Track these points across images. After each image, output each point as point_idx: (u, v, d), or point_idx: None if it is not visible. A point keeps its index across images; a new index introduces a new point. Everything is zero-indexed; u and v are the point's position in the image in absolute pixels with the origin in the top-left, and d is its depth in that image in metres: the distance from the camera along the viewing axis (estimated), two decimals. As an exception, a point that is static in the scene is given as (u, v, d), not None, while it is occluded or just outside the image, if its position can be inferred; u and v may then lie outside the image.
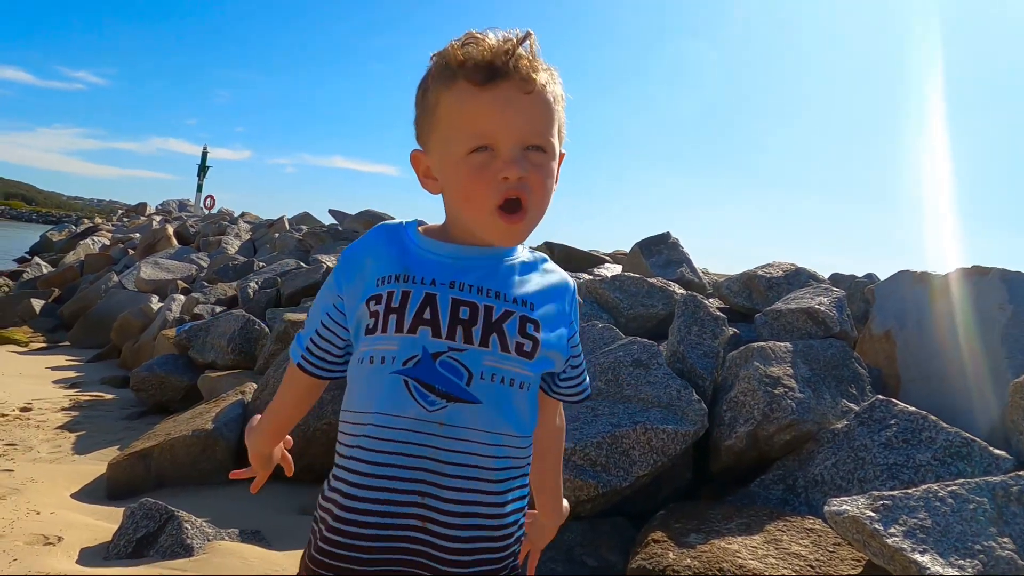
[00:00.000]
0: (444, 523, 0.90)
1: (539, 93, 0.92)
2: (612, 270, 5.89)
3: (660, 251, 5.02)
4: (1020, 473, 1.90)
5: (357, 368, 0.96)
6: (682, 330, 3.07)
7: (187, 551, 2.49)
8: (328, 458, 3.43)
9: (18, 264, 15.56)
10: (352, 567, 0.90)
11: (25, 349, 7.55)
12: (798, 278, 3.77)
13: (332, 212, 12.51)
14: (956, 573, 1.65)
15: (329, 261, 7.31)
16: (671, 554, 2.09)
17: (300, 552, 2.73)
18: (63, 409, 4.83)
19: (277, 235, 11.12)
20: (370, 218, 11.21)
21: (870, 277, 4.31)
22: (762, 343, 2.86)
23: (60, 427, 4.37)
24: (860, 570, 1.90)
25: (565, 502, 1.22)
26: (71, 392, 5.47)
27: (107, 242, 14.89)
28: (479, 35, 0.93)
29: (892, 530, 1.70)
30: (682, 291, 3.91)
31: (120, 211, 29.06)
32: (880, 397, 2.49)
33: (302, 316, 4.79)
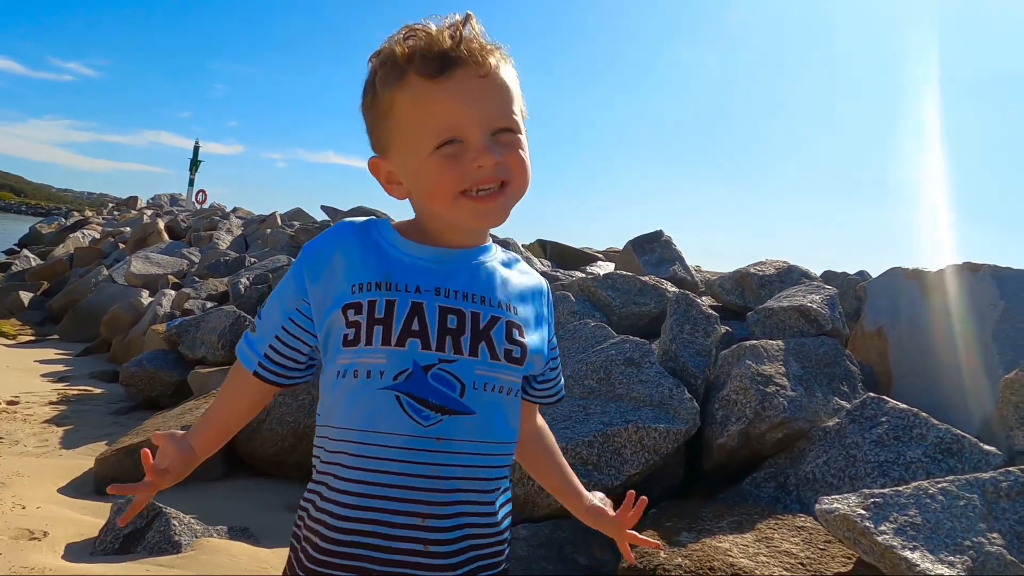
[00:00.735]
0: (443, 540, 0.87)
1: (495, 74, 0.90)
2: (605, 268, 5.89)
3: (653, 249, 5.02)
4: (1010, 469, 1.91)
5: (337, 382, 0.90)
6: (674, 328, 3.07)
7: (175, 548, 2.47)
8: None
9: (6, 256, 15.42)
10: None
11: (13, 342, 7.48)
12: (790, 276, 3.77)
13: (325, 208, 12.47)
14: (946, 570, 1.65)
15: (321, 257, 7.26)
16: (662, 553, 2.09)
17: (288, 549, 2.69)
18: (51, 403, 4.79)
19: (269, 231, 11.06)
20: (363, 214, 11.14)
21: (862, 274, 4.33)
22: (754, 341, 2.86)
23: (47, 421, 4.33)
24: (851, 568, 1.90)
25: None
26: (59, 386, 5.42)
27: (97, 235, 14.78)
28: (418, 26, 0.89)
29: (882, 527, 1.70)
30: (674, 289, 3.91)
31: (111, 204, 28.85)
32: (871, 395, 2.49)
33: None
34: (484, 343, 0.90)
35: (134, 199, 25.57)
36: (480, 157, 0.87)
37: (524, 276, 1.02)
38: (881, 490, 1.86)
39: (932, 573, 1.66)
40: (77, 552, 2.45)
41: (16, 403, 4.64)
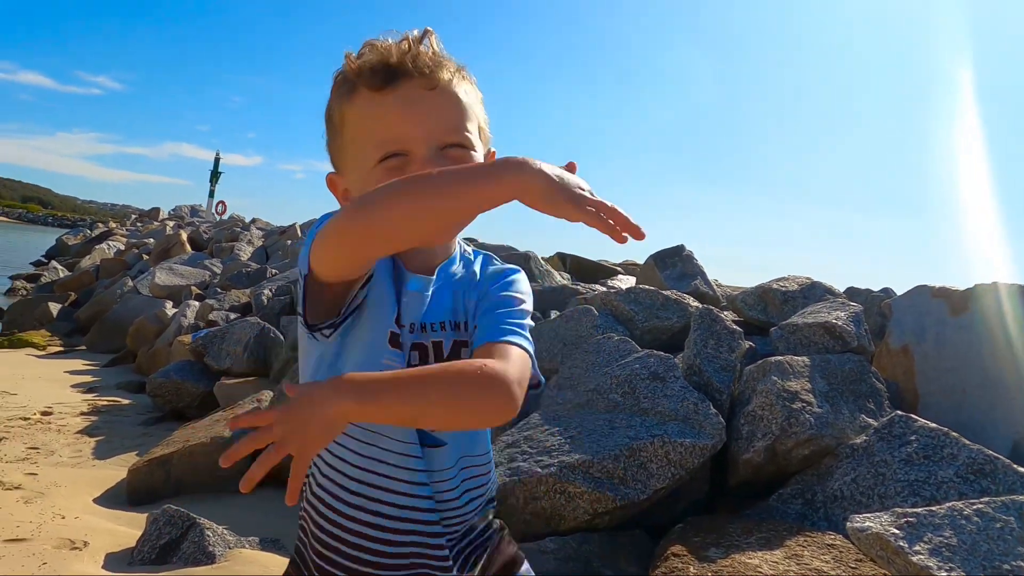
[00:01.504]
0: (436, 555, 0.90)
1: (445, 88, 0.87)
2: (626, 282, 5.91)
3: (674, 264, 5.04)
4: (1045, 492, 1.90)
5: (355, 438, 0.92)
6: (698, 343, 3.09)
7: (209, 558, 2.52)
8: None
9: (35, 267, 15.74)
10: None
11: (43, 352, 7.63)
12: (814, 292, 3.77)
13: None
14: (982, 592, 1.65)
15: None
16: (691, 568, 2.10)
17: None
18: (82, 413, 4.89)
19: (290, 242, 11.20)
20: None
21: (886, 291, 4.31)
22: (780, 357, 2.86)
23: (80, 431, 4.42)
24: (882, 587, 1.90)
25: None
26: (89, 396, 5.53)
27: (122, 247, 15.05)
28: (375, 41, 0.88)
29: (917, 547, 1.70)
30: (696, 304, 3.92)
31: (133, 216, 29.35)
32: (899, 412, 2.49)
33: (317, 324, 4.81)
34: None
35: (156, 210, 25.99)
36: (423, 169, 0.82)
37: (472, 274, 0.98)
38: (914, 509, 1.86)
39: (968, 594, 1.66)
40: (116, 562, 2.51)
41: (50, 413, 4.75)
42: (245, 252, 11.52)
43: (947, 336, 2.94)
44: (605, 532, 2.45)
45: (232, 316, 6.67)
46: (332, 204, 0.95)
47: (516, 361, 0.84)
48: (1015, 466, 2.16)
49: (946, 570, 1.67)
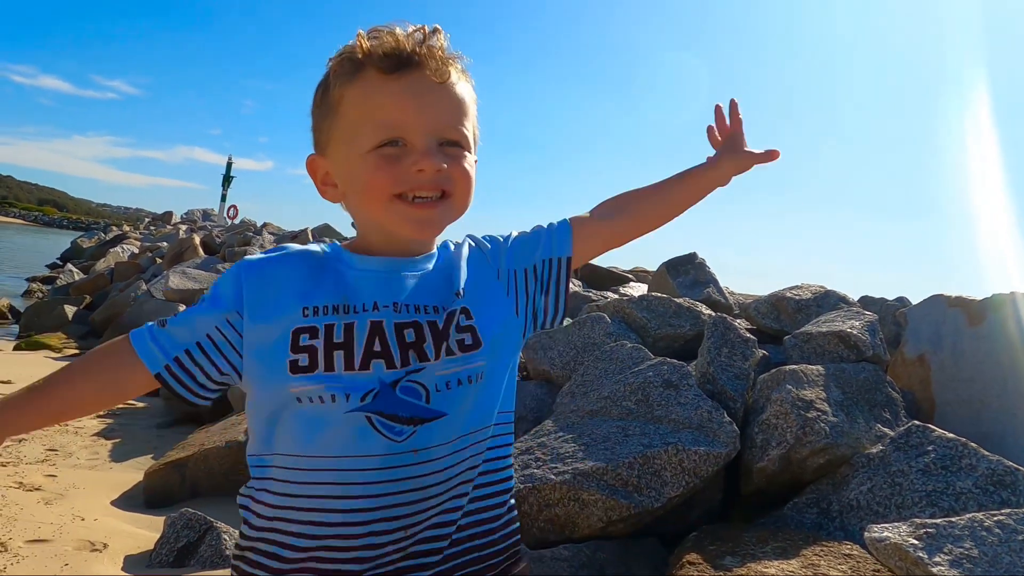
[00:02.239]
0: (436, 550, 0.86)
1: (451, 84, 0.87)
2: (638, 290, 5.91)
3: (687, 271, 5.04)
4: (1067, 505, 1.88)
5: (293, 407, 0.85)
6: (712, 351, 3.09)
7: (226, 562, 2.54)
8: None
9: (50, 270, 15.92)
10: None
11: (59, 355, 7.72)
12: (828, 300, 3.76)
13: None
14: (1003, 604, 1.64)
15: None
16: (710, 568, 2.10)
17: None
18: (98, 416, 4.94)
19: (301, 247, 11.27)
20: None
21: (901, 300, 4.30)
22: (794, 366, 2.86)
23: (96, 434, 4.48)
24: (900, 598, 1.90)
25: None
26: (104, 399, 5.58)
27: (136, 250, 15.19)
28: (383, 28, 0.87)
29: (937, 559, 1.70)
30: (709, 312, 3.92)
31: (147, 219, 29.63)
32: (916, 422, 2.48)
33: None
34: (445, 344, 0.88)
35: (169, 214, 26.24)
36: (422, 160, 0.84)
37: (461, 253, 0.98)
38: (933, 520, 1.85)
39: (989, 606, 1.65)
40: (135, 564, 2.54)
41: (67, 415, 4.80)
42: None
43: (964, 346, 2.92)
44: (619, 540, 2.46)
45: (245, 320, 6.71)
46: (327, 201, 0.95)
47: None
48: (1035, 478, 2.15)
49: (966, 582, 1.66)
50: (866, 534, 1.92)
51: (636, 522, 2.45)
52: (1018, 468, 2.15)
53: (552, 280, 0.98)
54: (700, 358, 3.16)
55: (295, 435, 0.85)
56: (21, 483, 3.21)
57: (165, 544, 2.62)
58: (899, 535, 1.81)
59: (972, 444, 2.26)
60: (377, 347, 0.85)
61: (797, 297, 3.82)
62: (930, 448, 2.31)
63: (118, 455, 4.08)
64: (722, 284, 4.97)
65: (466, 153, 0.88)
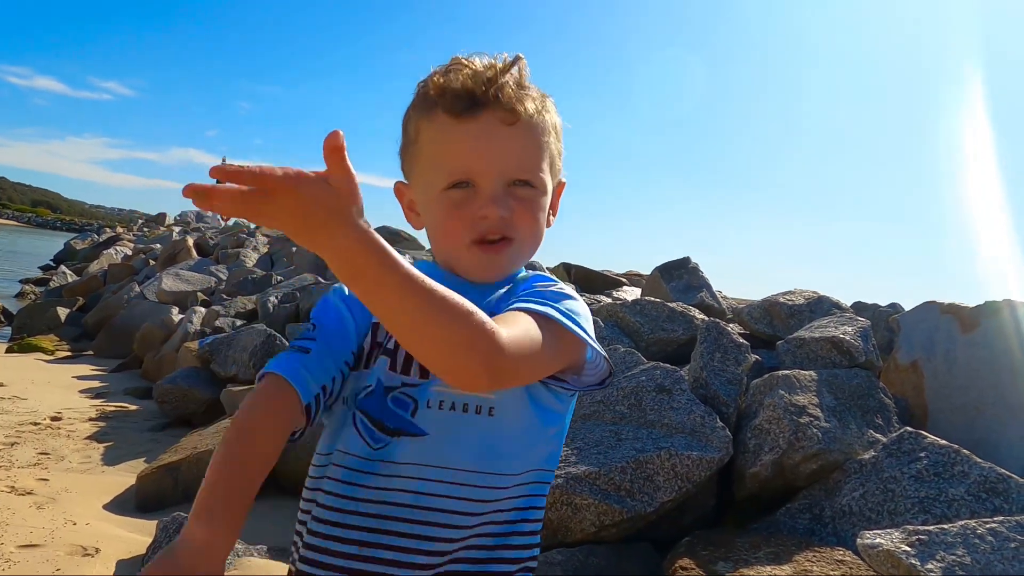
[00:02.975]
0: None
1: (524, 124, 0.84)
2: (632, 294, 5.92)
3: (680, 276, 5.05)
4: (1058, 512, 1.89)
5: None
6: (705, 356, 3.10)
7: (218, 565, 2.53)
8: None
9: (44, 272, 15.83)
10: None
11: (51, 357, 7.68)
12: (820, 306, 3.78)
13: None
14: (993, 611, 1.65)
15: (348, 276, 7.37)
16: (700, 582, 2.10)
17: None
18: (90, 419, 4.92)
19: (295, 249, 11.24)
20: (387, 234, 11.33)
21: (893, 307, 4.32)
22: (787, 371, 2.87)
23: (89, 437, 4.46)
24: (891, 604, 1.90)
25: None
26: (97, 402, 5.56)
27: (129, 252, 15.13)
28: (464, 60, 0.86)
29: (929, 566, 1.70)
30: (702, 316, 3.93)
31: (140, 220, 29.51)
32: (909, 429, 2.50)
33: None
34: None
35: (163, 215, 26.15)
36: (486, 207, 0.83)
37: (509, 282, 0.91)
38: (925, 527, 1.86)
39: (980, 613, 1.65)
40: (128, 568, 2.53)
41: (59, 419, 4.78)
42: (251, 259, 11.56)
43: (957, 353, 2.94)
44: (612, 545, 2.46)
45: (238, 323, 6.69)
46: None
47: (519, 324, 0.74)
48: (1028, 485, 2.16)
49: (957, 589, 1.67)
50: (859, 540, 1.92)
51: (629, 527, 2.45)
52: (1011, 476, 2.17)
53: None
54: (693, 363, 3.16)
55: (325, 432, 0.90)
56: (13, 487, 3.19)
57: (157, 548, 2.60)
58: (891, 542, 1.81)
59: (965, 451, 2.28)
60: (391, 344, 0.86)
61: (790, 302, 3.83)
62: (922, 455, 2.33)
63: (110, 459, 4.06)
64: (715, 288, 4.99)
65: (536, 192, 0.86)
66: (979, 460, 2.21)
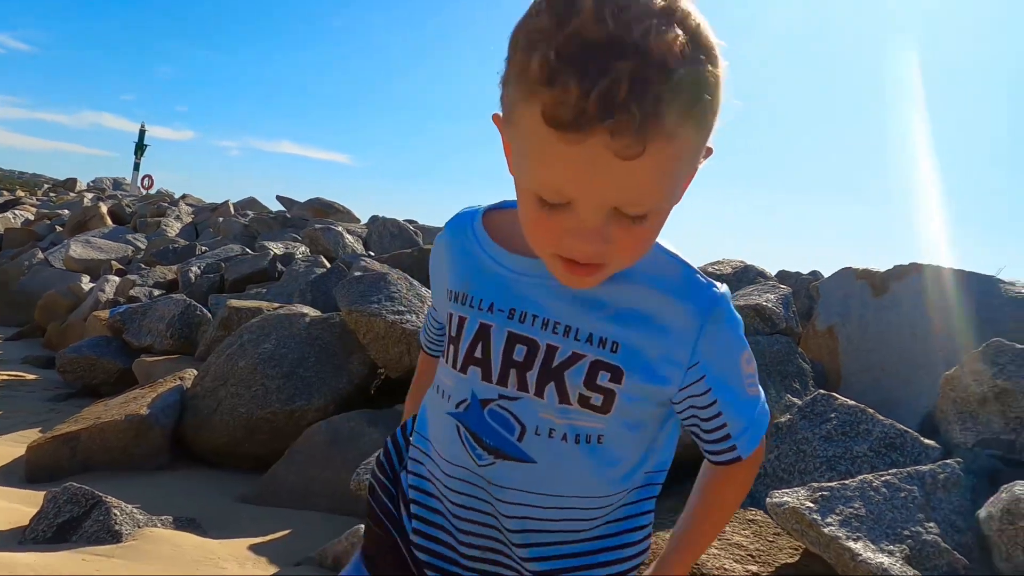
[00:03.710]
0: None
1: (654, 151, 0.59)
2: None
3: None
4: (947, 461, 2.00)
5: (430, 392, 0.89)
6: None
7: (115, 538, 2.36)
8: (271, 448, 3.31)
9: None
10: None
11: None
12: (746, 275, 3.87)
13: (280, 198, 12.17)
14: (885, 558, 1.72)
15: (276, 248, 7.11)
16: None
17: (237, 540, 2.62)
18: (-23, 388, 4.54)
19: (221, 219, 10.73)
20: (319, 206, 10.96)
21: (814, 274, 4.47)
22: (710, 339, 2.92)
23: (-27, 407, 4.11)
24: (797, 559, 1.96)
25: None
26: (-12, 371, 5.14)
27: (31, 217, 14.05)
28: (580, 33, 0.58)
29: (828, 520, 1.76)
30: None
31: (46, 186, 27.52)
32: (822, 392, 2.58)
33: (247, 303, 4.64)
34: (553, 383, 0.75)
35: (73, 181, 24.46)
36: (580, 240, 0.65)
37: (649, 295, 0.74)
38: (829, 484, 1.92)
39: (873, 561, 1.73)
40: (5, 540, 2.32)
41: (-60, 386, 4.39)
42: (173, 228, 10.97)
43: (869, 317, 3.06)
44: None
45: (156, 293, 6.33)
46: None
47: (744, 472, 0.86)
48: (922, 439, 2.27)
49: (853, 539, 1.73)
50: (767, 500, 1.97)
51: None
52: (907, 431, 2.27)
53: (707, 428, 0.81)
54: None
55: (423, 417, 0.89)
56: None
57: (43, 519, 2.40)
58: (797, 499, 1.86)
59: (870, 410, 2.37)
60: (479, 353, 0.78)
61: (718, 272, 3.91)
62: (833, 416, 2.40)
63: None
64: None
65: (650, 224, 0.66)
66: (881, 418, 2.31)
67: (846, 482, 1.96)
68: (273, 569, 2.34)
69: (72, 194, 19.67)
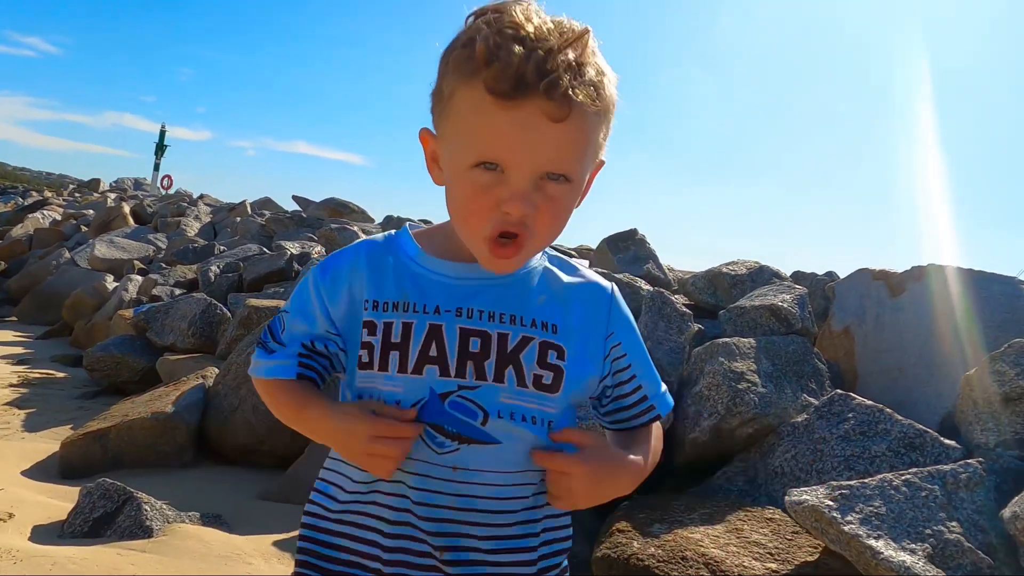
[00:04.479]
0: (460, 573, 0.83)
1: (575, 118, 0.75)
2: (580, 265, 5.94)
3: (627, 247, 5.09)
4: (968, 461, 2.00)
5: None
6: (649, 326, 3.13)
7: (146, 532, 2.43)
8: (291, 446, 3.37)
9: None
10: None
11: (-32, 324, 7.24)
12: (761, 276, 3.87)
13: (296, 198, 12.29)
14: (907, 556, 1.73)
15: (292, 248, 7.20)
16: (635, 543, 2.14)
17: (262, 536, 2.68)
18: (11, 385, 4.66)
19: (239, 219, 10.87)
20: (335, 205, 11.05)
21: (830, 275, 4.46)
22: (726, 339, 2.93)
23: (8, 403, 4.22)
24: (817, 556, 1.98)
25: (637, 458, 0.91)
26: (19, 368, 5.27)
27: (58, 217, 14.33)
28: (519, 20, 0.74)
29: (848, 518, 1.77)
30: (648, 287, 3.97)
31: (71, 186, 27.99)
32: (839, 391, 2.58)
33: (266, 302, 4.72)
34: (511, 367, 0.83)
35: (96, 181, 24.88)
36: (511, 201, 0.77)
37: (575, 282, 0.90)
38: (848, 482, 1.93)
39: (895, 560, 1.74)
40: (45, 534, 2.40)
41: (-25, 385, 4.51)
42: (192, 228, 11.13)
43: (886, 317, 3.06)
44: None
45: (177, 292, 6.44)
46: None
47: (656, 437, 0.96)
48: (942, 439, 2.27)
49: (874, 537, 1.75)
50: (786, 498, 1.98)
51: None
52: (927, 431, 2.27)
53: (624, 395, 0.93)
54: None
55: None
56: (-80, 454, 2.98)
57: (79, 514, 2.48)
58: (816, 497, 1.88)
59: (888, 410, 2.37)
60: (433, 351, 0.83)
61: (732, 272, 3.91)
62: (850, 415, 2.41)
63: (32, 425, 3.86)
64: (664, 261, 5.05)
65: (569, 187, 0.80)
66: (900, 418, 2.31)
67: (866, 481, 1.96)
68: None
69: (96, 194, 20.01)
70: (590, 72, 0.75)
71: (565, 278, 0.90)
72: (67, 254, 9.43)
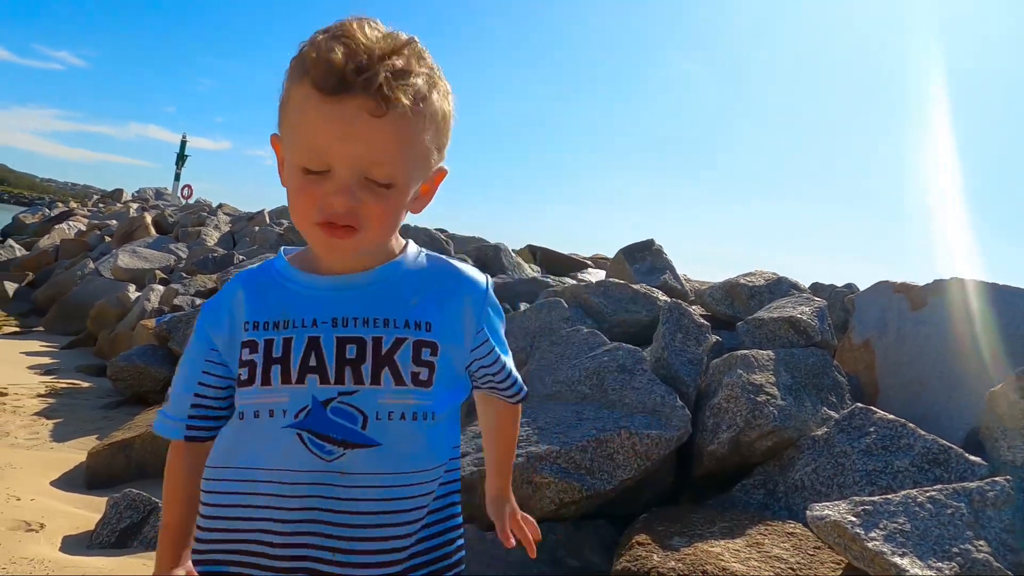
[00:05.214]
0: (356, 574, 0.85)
1: (394, 117, 0.79)
2: (595, 275, 5.96)
3: (644, 258, 5.09)
4: (996, 479, 1.97)
5: (240, 423, 0.89)
6: (667, 337, 3.13)
7: (170, 543, 2.47)
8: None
9: (-11, 247, 15.14)
10: None
11: (-2, 334, 7.40)
12: (780, 287, 3.85)
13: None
14: (934, 575, 1.71)
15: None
16: (655, 556, 2.13)
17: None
18: (39, 395, 4.76)
19: (257, 228, 11.01)
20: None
21: (849, 287, 4.42)
22: (745, 351, 2.92)
23: (36, 413, 4.31)
24: (839, 572, 1.96)
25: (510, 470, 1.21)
26: (47, 379, 5.38)
27: (83, 227, 14.62)
28: (353, 28, 0.80)
29: (873, 534, 1.76)
30: (665, 298, 3.97)
31: (95, 196, 28.51)
32: (860, 405, 2.56)
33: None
34: (387, 369, 0.86)
35: (119, 192, 25.31)
36: (336, 196, 0.81)
37: (445, 280, 0.95)
38: (871, 498, 1.92)
39: (919, 578, 1.72)
40: (74, 545, 2.46)
41: (5, 395, 4.61)
42: (212, 237, 11.29)
43: (907, 331, 3.03)
44: (570, 522, 2.48)
45: (198, 301, 6.54)
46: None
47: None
48: (967, 455, 2.24)
49: (899, 555, 1.73)
50: (808, 512, 1.97)
51: (588, 504, 2.48)
52: (951, 447, 2.24)
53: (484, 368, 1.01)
54: (655, 343, 3.19)
55: (232, 447, 0.89)
56: (-47, 464, 3.06)
57: (107, 525, 2.53)
58: (838, 513, 1.86)
59: (910, 425, 2.35)
60: (312, 362, 0.86)
61: (750, 284, 3.89)
62: (872, 429, 2.39)
63: (59, 435, 3.94)
64: (680, 271, 5.04)
65: (393, 191, 0.83)
66: (923, 433, 2.28)
67: (889, 497, 1.94)
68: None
69: (119, 204, 20.37)
70: (415, 79, 0.81)
71: (436, 275, 0.95)
72: (92, 264, 9.61)
